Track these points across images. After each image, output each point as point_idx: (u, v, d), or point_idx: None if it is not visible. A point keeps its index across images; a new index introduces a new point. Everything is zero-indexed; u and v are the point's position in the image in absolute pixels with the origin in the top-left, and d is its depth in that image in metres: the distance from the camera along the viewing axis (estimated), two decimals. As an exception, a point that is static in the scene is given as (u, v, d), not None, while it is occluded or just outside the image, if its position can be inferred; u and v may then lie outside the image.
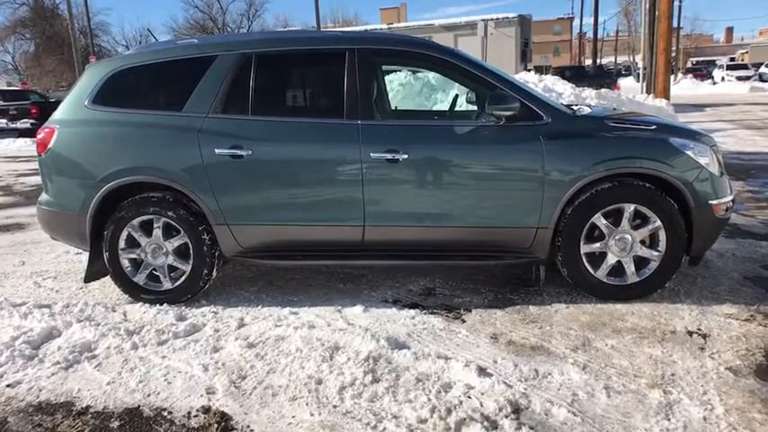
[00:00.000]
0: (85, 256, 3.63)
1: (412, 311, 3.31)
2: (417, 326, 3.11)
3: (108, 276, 3.57)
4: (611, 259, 3.31)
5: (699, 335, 2.94)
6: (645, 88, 17.18)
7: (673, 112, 14.63)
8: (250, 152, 3.30)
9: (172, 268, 3.53)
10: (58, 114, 3.60)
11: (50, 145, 3.51)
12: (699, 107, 18.97)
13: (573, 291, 3.48)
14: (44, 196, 3.65)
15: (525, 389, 2.46)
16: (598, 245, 3.31)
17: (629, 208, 3.23)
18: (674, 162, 3.19)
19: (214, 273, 3.53)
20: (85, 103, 3.52)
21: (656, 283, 3.31)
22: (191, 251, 3.47)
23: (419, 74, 10.78)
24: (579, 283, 3.36)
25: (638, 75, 38.32)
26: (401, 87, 10.49)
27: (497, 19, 20.13)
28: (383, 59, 3.81)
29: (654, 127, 3.37)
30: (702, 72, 36.23)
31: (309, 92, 3.76)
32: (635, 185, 3.21)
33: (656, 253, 3.28)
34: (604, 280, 3.33)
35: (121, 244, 3.50)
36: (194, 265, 3.47)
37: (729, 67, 35.73)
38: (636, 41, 64.05)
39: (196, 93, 3.40)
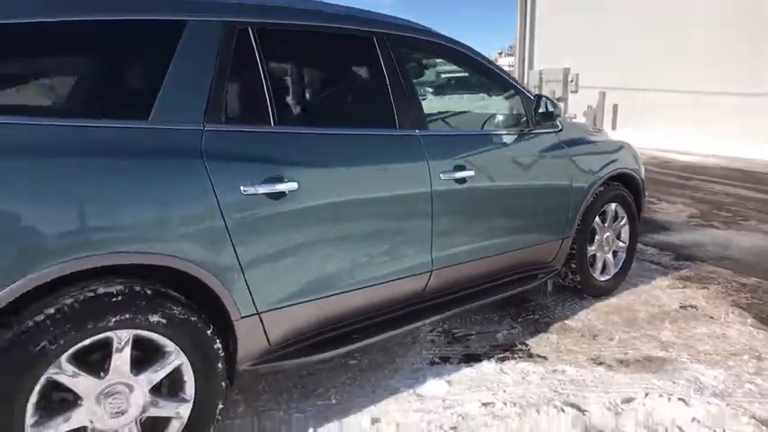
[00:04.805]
0: None
1: (494, 364, 2.68)
2: (547, 378, 2.55)
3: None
4: (600, 257, 3.47)
5: (691, 307, 3.41)
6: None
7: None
8: (294, 186, 1.99)
9: (153, 424, 1.83)
10: None
11: None
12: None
13: (564, 295, 3.49)
14: None
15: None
16: (594, 247, 3.41)
17: (612, 207, 3.45)
18: (636, 159, 3.59)
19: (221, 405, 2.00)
20: None
21: (626, 270, 3.65)
22: (189, 379, 1.87)
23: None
24: (585, 286, 3.40)
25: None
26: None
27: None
28: (417, 53, 2.85)
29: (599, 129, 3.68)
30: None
31: (340, 89, 2.48)
32: (614, 186, 3.44)
33: (622, 244, 3.61)
34: (600, 278, 3.47)
35: (30, 409, 1.60)
36: (199, 401, 1.89)
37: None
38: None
39: (171, 84, 1.83)
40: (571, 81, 14.93)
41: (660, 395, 2.36)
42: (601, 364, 2.72)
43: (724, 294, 3.59)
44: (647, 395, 2.36)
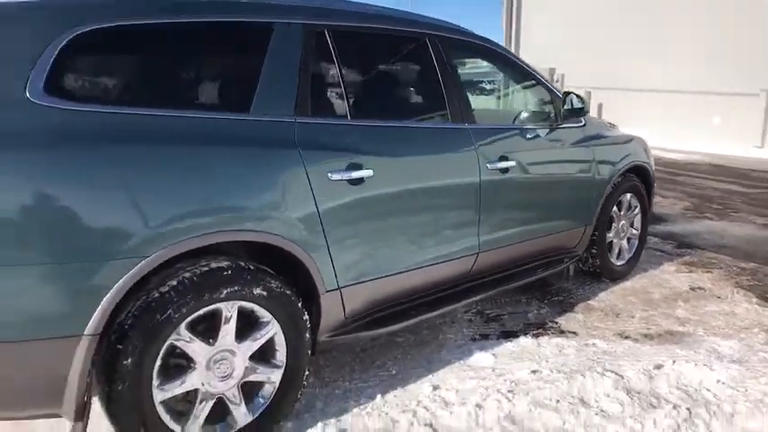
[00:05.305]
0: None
1: (530, 339, 2.92)
2: (582, 350, 2.80)
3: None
4: (617, 244, 3.74)
5: (699, 288, 3.70)
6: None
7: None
8: (370, 173, 2.20)
9: (249, 387, 2.02)
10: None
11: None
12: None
13: (582, 279, 3.76)
14: None
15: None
16: (612, 234, 3.68)
17: (627, 197, 3.72)
18: (647, 152, 3.86)
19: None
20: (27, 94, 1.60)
21: (638, 256, 3.93)
22: (281, 347, 2.06)
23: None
24: (604, 270, 3.66)
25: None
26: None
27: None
28: (461, 52, 3.07)
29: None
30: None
31: (401, 86, 2.69)
32: (629, 177, 3.71)
33: (635, 231, 3.89)
34: (616, 262, 3.74)
35: (155, 374, 1.78)
36: (289, 368, 2.09)
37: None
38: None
39: (266, 80, 2.03)
40: (557, 81, 15.33)
41: (686, 362, 2.63)
42: (627, 338, 2.99)
43: (727, 277, 3.89)
44: (674, 362, 2.63)
